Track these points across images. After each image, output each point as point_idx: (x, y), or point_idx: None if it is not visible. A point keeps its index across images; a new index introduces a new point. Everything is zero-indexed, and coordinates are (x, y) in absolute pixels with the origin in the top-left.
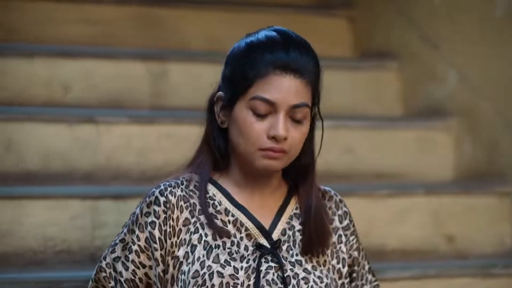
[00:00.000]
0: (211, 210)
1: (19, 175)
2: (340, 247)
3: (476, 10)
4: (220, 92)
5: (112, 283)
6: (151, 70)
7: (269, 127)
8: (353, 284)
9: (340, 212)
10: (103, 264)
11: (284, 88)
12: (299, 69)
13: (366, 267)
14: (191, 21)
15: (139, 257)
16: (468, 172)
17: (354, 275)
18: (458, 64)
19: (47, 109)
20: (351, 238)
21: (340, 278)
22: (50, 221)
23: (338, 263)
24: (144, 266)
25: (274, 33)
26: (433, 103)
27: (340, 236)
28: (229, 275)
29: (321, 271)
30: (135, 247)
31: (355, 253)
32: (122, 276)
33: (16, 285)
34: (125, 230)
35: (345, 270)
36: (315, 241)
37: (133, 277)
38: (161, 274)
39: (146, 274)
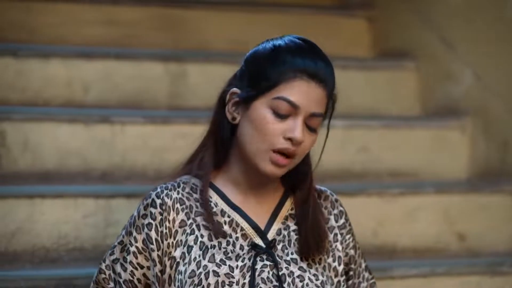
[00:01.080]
0: (206, 214)
1: (36, 174)
2: (336, 246)
3: (491, 11)
4: (234, 88)
5: (112, 284)
6: (170, 70)
7: (287, 129)
8: (350, 282)
9: (335, 211)
10: (103, 266)
11: (308, 94)
12: (324, 79)
13: (363, 265)
14: (213, 22)
15: (137, 258)
16: (482, 171)
17: (351, 273)
18: (473, 63)
19: (64, 109)
20: (347, 237)
21: (336, 276)
22: (63, 219)
23: (334, 261)
24: (142, 267)
25: (300, 41)
26: (449, 102)
27: (335, 234)
28: (225, 274)
29: (316, 269)
30: (133, 249)
31: (352, 252)
32: (121, 277)
33: (28, 281)
34: (124, 233)
35: (341, 268)
36: (312, 244)
37: (131, 278)
38: (159, 274)
39: (144, 274)
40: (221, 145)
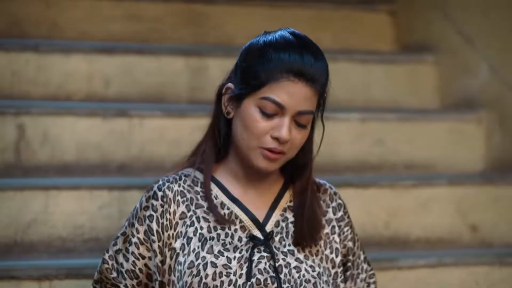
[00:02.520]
0: (209, 203)
1: (55, 166)
2: (333, 238)
3: (508, 5)
4: (229, 83)
5: (114, 274)
6: (191, 65)
7: (274, 128)
8: (348, 273)
9: (334, 204)
10: (106, 256)
11: (295, 94)
12: (312, 77)
13: (362, 257)
14: (235, 17)
15: (138, 249)
16: (497, 163)
17: (349, 264)
18: (490, 57)
19: (82, 103)
20: (345, 229)
21: (333, 267)
22: (79, 211)
23: (331, 253)
24: (143, 257)
25: (290, 36)
26: (466, 95)
27: (333, 227)
28: (222, 265)
29: (313, 261)
30: (134, 240)
31: (350, 244)
32: (123, 267)
33: (39, 271)
34: (127, 224)
35: (338, 260)
36: (306, 234)
37: (133, 268)
38: (159, 264)
39: (145, 265)
40: (220, 138)
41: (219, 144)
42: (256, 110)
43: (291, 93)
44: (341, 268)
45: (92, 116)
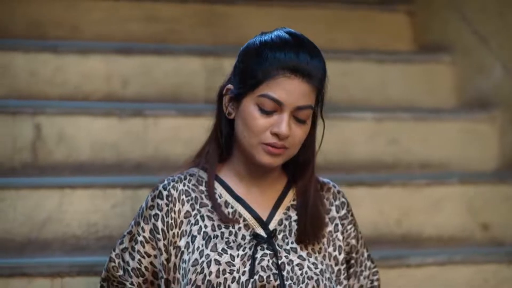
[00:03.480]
0: (212, 202)
1: (70, 166)
2: (336, 236)
3: None
4: (229, 85)
5: (121, 272)
6: (207, 65)
7: (273, 124)
8: (352, 270)
9: (337, 202)
10: (113, 254)
11: (292, 90)
12: (308, 73)
13: (365, 254)
14: (253, 17)
15: (144, 247)
16: (511, 162)
17: (352, 261)
18: (504, 58)
19: (98, 103)
20: (348, 227)
21: (336, 264)
22: (93, 209)
23: (334, 250)
24: (149, 256)
25: (287, 35)
26: (481, 95)
27: (336, 225)
28: (226, 263)
29: (316, 258)
30: (140, 238)
31: (353, 241)
32: (129, 265)
33: (51, 268)
34: (133, 223)
35: (341, 257)
36: (309, 232)
37: (139, 266)
38: (165, 262)
39: (151, 263)
40: (223, 139)
41: (222, 145)
42: (255, 108)
43: (288, 89)
44: (344, 266)
45: (108, 116)
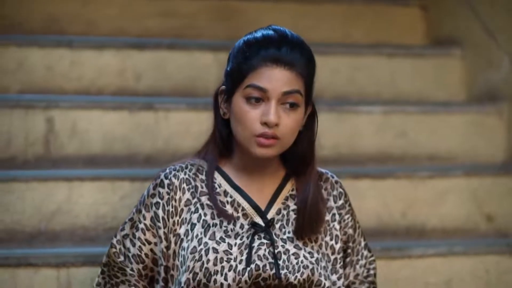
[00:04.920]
0: (210, 196)
1: (82, 158)
2: (333, 225)
3: None
4: (223, 86)
5: (122, 258)
6: (219, 59)
7: (262, 114)
8: (348, 259)
9: (335, 192)
10: (114, 241)
11: (275, 77)
12: (289, 62)
13: (362, 244)
14: (267, 13)
15: (145, 234)
16: None
17: (349, 251)
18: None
19: (109, 97)
20: (345, 217)
21: (333, 253)
22: (101, 201)
23: (331, 239)
24: (149, 243)
25: (270, 32)
26: (490, 89)
27: (334, 215)
28: (223, 251)
29: (312, 247)
30: (141, 226)
31: (350, 231)
32: (130, 252)
33: (57, 258)
34: (134, 210)
35: (337, 246)
36: (307, 228)
37: (139, 253)
38: (165, 250)
39: (151, 250)
40: (221, 138)
41: (220, 145)
42: (243, 101)
43: (271, 77)
44: (341, 255)
45: (119, 110)
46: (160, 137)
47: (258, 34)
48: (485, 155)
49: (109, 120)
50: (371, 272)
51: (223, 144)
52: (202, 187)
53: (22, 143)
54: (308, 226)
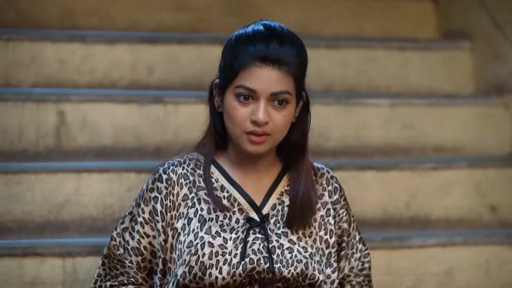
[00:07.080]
0: (208, 191)
1: (93, 150)
2: (328, 220)
3: None
4: (217, 80)
5: (121, 250)
6: None
7: (251, 112)
8: (343, 252)
9: (330, 187)
10: (114, 233)
11: (263, 78)
12: (278, 60)
13: (357, 237)
14: (279, 7)
15: (143, 228)
16: None
17: (344, 244)
18: None
19: (120, 91)
20: (340, 212)
21: (327, 247)
22: (109, 192)
23: (325, 234)
24: (148, 236)
25: (261, 27)
26: (497, 81)
27: (328, 209)
28: (219, 245)
29: (306, 242)
30: (140, 219)
31: (345, 225)
32: (129, 245)
33: (62, 248)
34: (134, 204)
35: (332, 241)
36: (297, 218)
37: (138, 246)
38: (163, 243)
39: (150, 243)
40: (216, 131)
41: (217, 137)
42: (234, 99)
43: (259, 78)
44: (335, 249)
45: (130, 103)
46: (169, 129)
47: (249, 29)
48: (492, 147)
49: (120, 113)
50: (366, 265)
51: (219, 136)
52: (199, 182)
53: (34, 135)
54: (299, 216)
